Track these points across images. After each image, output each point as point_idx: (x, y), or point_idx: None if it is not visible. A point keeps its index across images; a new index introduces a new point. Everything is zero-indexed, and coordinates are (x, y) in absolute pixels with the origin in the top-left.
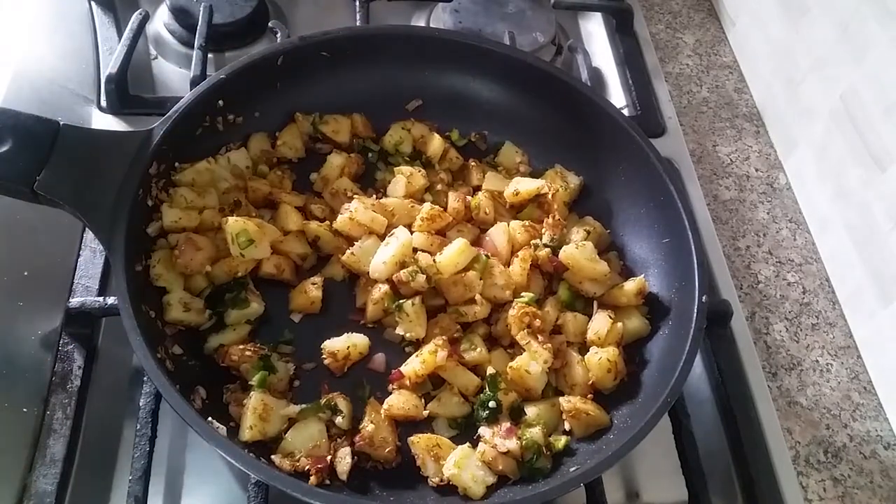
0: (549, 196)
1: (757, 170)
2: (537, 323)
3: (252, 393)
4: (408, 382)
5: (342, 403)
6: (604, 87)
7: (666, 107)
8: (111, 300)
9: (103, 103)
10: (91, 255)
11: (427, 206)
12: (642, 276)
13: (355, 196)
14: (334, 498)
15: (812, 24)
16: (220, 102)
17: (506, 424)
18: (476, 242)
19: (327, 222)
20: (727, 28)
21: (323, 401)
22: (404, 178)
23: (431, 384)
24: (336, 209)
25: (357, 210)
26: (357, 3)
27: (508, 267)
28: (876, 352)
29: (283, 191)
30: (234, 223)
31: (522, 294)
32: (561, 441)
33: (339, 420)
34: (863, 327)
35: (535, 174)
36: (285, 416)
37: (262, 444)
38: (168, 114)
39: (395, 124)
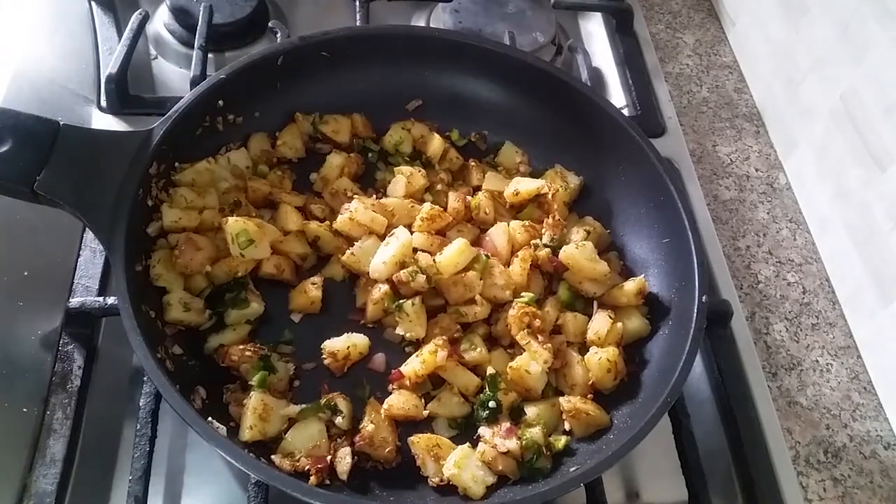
0: (549, 196)
1: (757, 170)
2: (537, 323)
3: (252, 393)
4: (408, 382)
5: (342, 403)
6: (604, 87)
7: (666, 107)
8: (111, 300)
9: (103, 103)
10: (91, 255)
11: (427, 206)
12: (642, 276)
13: (355, 196)
14: (334, 498)
15: (812, 24)
16: (220, 102)
17: (506, 424)
18: (476, 242)
19: (327, 222)
20: (727, 28)
21: (323, 401)
22: (404, 178)
23: (431, 384)
24: (336, 209)
25: (357, 210)
26: (357, 3)
27: (508, 267)
28: (876, 352)
29: (283, 191)
30: (234, 223)
31: (522, 294)
32: (561, 441)
33: (339, 420)
34: (863, 327)
35: (535, 174)
36: (285, 416)
37: (262, 444)
38: (168, 114)
39: (395, 124)
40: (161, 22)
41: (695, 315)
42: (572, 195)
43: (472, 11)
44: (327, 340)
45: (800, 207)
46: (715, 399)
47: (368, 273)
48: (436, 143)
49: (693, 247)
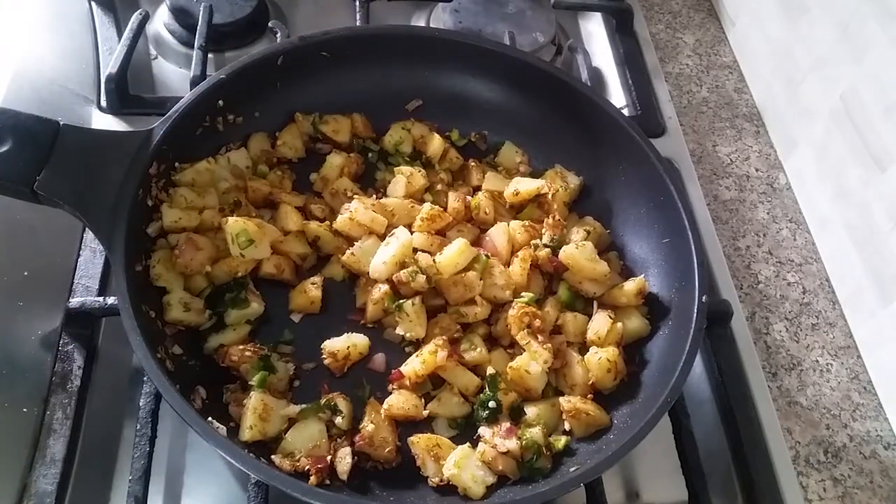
0: (549, 196)
1: (757, 170)
2: (537, 323)
3: (252, 393)
4: (408, 382)
5: (342, 403)
6: (604, 87)
7: (666, 107)
8: (111, 300)
9: (103, 103)
10: (91, 255)
11: (427, 206)
12: (642, 276)
13: (355, 196)
14: (334, 498)
15: (812, 24)
16: (220, 102)
17: (506, 424)
18: (476, 242)
19: (327, 222)
20: (727, 28)
21: (323, 401)
22: (404, 178)
23: (431, 384)
24: (336, 209)
25: (357, 210)
26: (357, 3)
27: (508, 267)
28: (876, 352)
29: (283, 191)
30: (234, 223)
31: (522, 294)
32: (561, 441)
33: (339, 420)
34: (863, 327)
35: (535, 174)
36: (285, 416)
37: (262, 444)
38: (168, 114)
39: (395, 124)
40: (161, 22)
41: (695, 315)
42: (572, 195)
43: (472, 11)
44: (327, 340)
45: (800, 207)
46: (715, 399)
47: (368, 273)
48: (436, 143)
49: (693, 247)
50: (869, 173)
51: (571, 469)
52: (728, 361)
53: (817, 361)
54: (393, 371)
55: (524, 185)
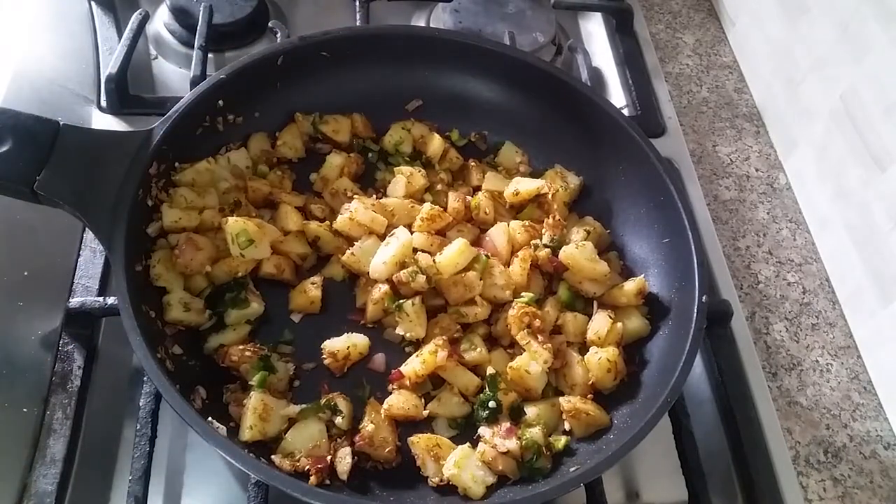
0: (549, 196)
1: (757, 170)
2: (537, 323)
3: (252, 393)
4: (408, 382)
5: (342, 403)
6: (604, 87)
7: (666, 107)
8: (111, 300)
9: (103, 103)
10: (91, 255)
11: (427, 206)
12: (642, 276)
13: (355, 196)
14: (334, 498)
15: (812, 24)
16: (220, 102)
17: (506, 424)
18: (476, 242)
19: (327, 222)
20: (727, 28)
21: (323, 401)
22: (404, 178)
23: (431, 384)
24: (336, 209)
25: (357, 210)
26: (357, 3)
27: (508, 267)
28: (876, 352)
29: (283, 191)
30: (234, 223)
31: (522, 294)
32: (561, 441)
33: (339, 420)
34: (863, 327)
35: (535, 174)
36: (285, 416)
37: (262, 444)
38: (168, 114)
39: (395, 124)
40: (161, 22)
41: (695, 315)
42: (572, 195)
43: (472, 11)
44: (327, 340)
45: (800, 207)
46: (715, 399)
47: (368, 273)
48: (436, 143)
49: (693, 247)
50: (869, 173)
51: (571, 469)
52: (728, 361)
53: (817, 361)
54: (393, 371)
55: (524, 185)
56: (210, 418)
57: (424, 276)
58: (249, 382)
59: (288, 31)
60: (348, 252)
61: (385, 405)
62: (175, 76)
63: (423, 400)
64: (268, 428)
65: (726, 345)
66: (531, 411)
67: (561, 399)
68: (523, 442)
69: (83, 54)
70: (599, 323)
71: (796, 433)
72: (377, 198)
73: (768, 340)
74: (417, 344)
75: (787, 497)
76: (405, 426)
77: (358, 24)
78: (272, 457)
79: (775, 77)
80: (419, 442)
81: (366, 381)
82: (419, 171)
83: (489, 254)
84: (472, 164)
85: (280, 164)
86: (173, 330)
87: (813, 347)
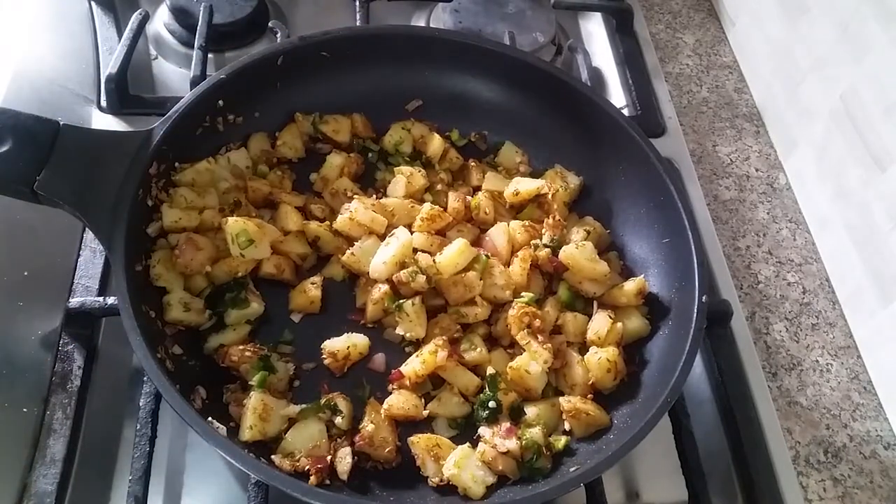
0: (549, 196)
1: (757, 170)
2: (537, 323)
3: (252, 393)
4: (408, 382)
5: (342, 403)
6: (604, 87)
7: (666, 107)
8: (111, 300)
9: (103, 103)
10: (91, 255)
11: (427, 206)
12: (642, 276)
13: (355, 196)
14: (334, 498)
15: (812, 24)
16: (220, 102)
17: (506, 424)
18: (476, 242)
19: (327, 222)
20: (727, 28)
21: (323, 401)
22: (404, 178)
23: (431, 384)
24: (336, 209)
25: (357, 210)
26: (357, 3)
27: (508, 267)
28: (876, 352)
29: (283, 191)
30: (234, 223)
31: (522, 294)
32: (561, 441)
33: (339, 420)
34: (863, 327)
35: (535, 174)
36: (285, 416)
37: (262, 444)
38: (168, 114)
39: (395, 124)
40: (161, 22)
41: (695, 315)
42: (572, 195)
43: (472, 11)
44: (327, 340)
45: (800, 207)
46: (715, 399)
47: (368, 273)
48: (436, 143)
49: (693, 247)
50: (869, 173)
51: (571, 469)
52: (728, 361)
53: (817, 361)
54: (393, 371)
55: (524, 185)
56: (210, 418)
57: (424, 276)
58: (249, 382)
59: (288, 31)
60: (348, 252)
61: (385, 405)
62: (175, 76)
63: (423, 400)
64: (268, 428)
65: (726, 345)
66: (531, 411)
67: (561, 399)
68: (523, 442)
69: (83, 54)
70: (599, 323)
71: (796, 433)
72: (377, 198)
73: (768, 340)
74: (417, 344)
75: (787, 497)
76: (405, 426)
77: (358, 24)
78: (272, 457)
79: (775, 77)
80: (419, 442)
81: (366, 381)
82: (419, 171)
83: (489, 254)
84: (472, 164)
85: (280, 164)
86: (173, 330)
87: (813, 347)
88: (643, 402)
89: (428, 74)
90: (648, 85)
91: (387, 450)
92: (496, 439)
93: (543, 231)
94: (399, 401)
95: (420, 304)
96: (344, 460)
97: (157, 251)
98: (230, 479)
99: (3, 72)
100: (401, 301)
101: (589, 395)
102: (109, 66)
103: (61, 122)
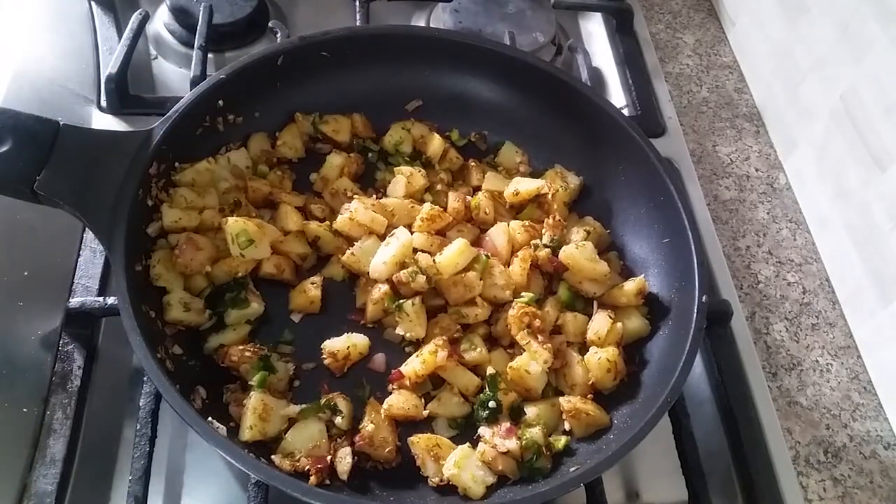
0: (549, 196)
1: (757, 170)
2: (537, 323)
3: (252, 393)
4: (408, 382)
5: (342, 403)
6: (604, 87)
7: (666, 107)
8: (111, 300)
9: (103, 103)
10: (91, 255)
11: (427, 206)
12: (642, 276)
13: (355, 196)
14: (334, 498)
15: (812, 24)
16: (220, 102)
17: (506, 424)
18: (476, 242)
19: (327, 222)
20: (727, 28)
21: (323, 401)
22: (404, 178)
23: (431, 384)
24: (336, 209)
25: (357, 210)
26: (357, 3)
27: (508, 267)
28: (876, 352)
29: (283, 191)
30: (234, 223)
31: (522, 294)
32: (561, 441)
33: (339, 420)
34: (863, 327)
35: (535, 174)
36: (285, 416)
37: (262, 444)
38: (168, 114)
39: (395, 124)
40: (161, 22)
41: (695, 315)
42: (572, 195)
43: (472, 11)
44: (327, 340)
45: (800, 207)
46: (715, 399)
47: (368, 273)
48: (436, 143)
49: (693, 247)
50: (869, 173)
51: (571, 469)
52: (728, 361)
53: (817, 361)
54: (393, 371)
55: (524, 185)
56: (210, 418)
57: (424, 276)
58: (249, 382)
59: (288, 31)
60: (348, 252)
61: (385, 405)
62: (175, 76)
63: (423, 400)
64: (268, 428)
65: (726, 345)
66: (531, 411)
67: (561, 399)
68: (523, 442)
69: (83, 54)
70: (599, 323)
71: (796, 433)
72: (377, 198)
73: (768, 340)
74: (417, 344)
75: (787, 497)
76: (405, 426)
77: (358, 24)
78: (272, 457)
79: (775, 77)
80: (419, 442)
81: (366, 381)
82: (419, 171)
83: (489, 254)
84: (472, 164)
85: (280, 164)
86: (173, 330)
87: (813, 347)
88: (643, 402)
89: (428, 74)
90: (648, 85)
91: (387, 450)
92: (496, 439)
93: (543, 231)
94: (399, 401)
95: (420, 304)
96: (344, 460)
97: (157, 251)
98: (230, 479)
99: (3, 72)
100: (401, 301)
101: (589, 395)
102: (109, 66)
103: (61, 122)
